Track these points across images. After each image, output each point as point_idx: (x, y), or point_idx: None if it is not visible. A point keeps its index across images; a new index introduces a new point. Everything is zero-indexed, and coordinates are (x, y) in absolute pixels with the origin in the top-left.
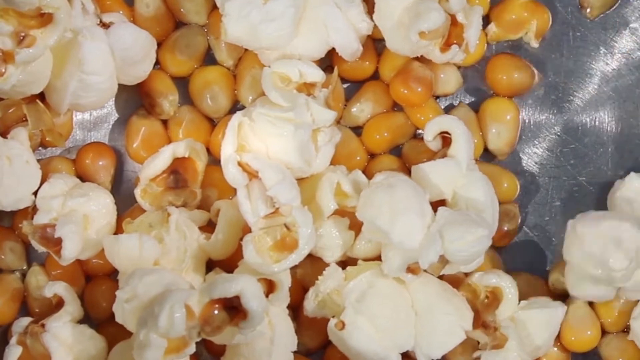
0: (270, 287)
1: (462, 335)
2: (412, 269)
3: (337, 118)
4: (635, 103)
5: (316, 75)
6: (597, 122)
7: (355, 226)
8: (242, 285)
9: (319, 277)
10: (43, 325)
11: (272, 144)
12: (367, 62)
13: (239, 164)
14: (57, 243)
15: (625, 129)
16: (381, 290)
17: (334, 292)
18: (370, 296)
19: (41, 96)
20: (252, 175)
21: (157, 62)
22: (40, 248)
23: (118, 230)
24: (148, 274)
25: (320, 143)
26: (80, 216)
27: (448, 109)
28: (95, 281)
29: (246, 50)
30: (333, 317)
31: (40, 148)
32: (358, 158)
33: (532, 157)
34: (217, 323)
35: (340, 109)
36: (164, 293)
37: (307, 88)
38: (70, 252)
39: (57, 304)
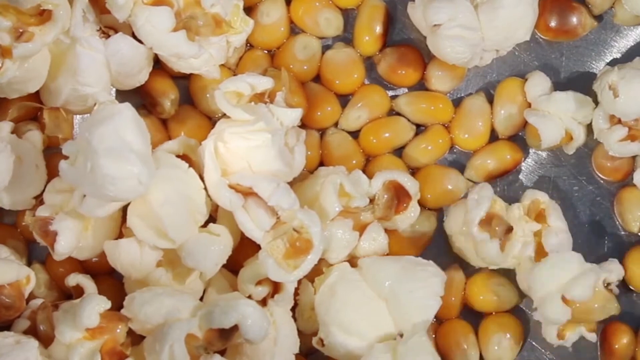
0: (275, 288)
1: (436, 303)
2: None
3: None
4: None
5: (266, 83)
6: None
7: (359, 226)
8: (240, 317)
9: (296, 297)
10: (57, 306)
11: (253, 158)
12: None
13: (229, 186)
14: (54, 237)
15: None
16: (342, 295)
17: (311, 307)
18: (333, 305)
19: (36, 94)
20: (246, 193)
21: (157, 62)
22: (40, 241)
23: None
24: (147, 303)
25: (291, 145)
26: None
27: (462, 98)
28: (96, 280)
29: (247, 50)
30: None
31: None
32: (354, 162)
33: (532, 156)
34: (221, 343)
35: (301, 103)
36: (163, 329)
37: (258, 98)
38: (64, 247)
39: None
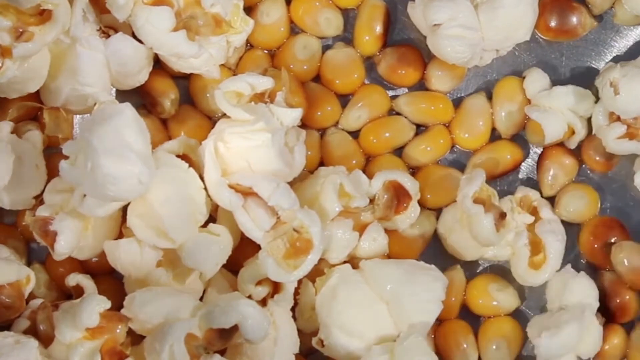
0: (275, 288)
1: (437, 307)
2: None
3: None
4: None
5: (266, 83)
6: None
7: (359, 227)
8: (240, 317)
9: (297, 297)
10: (57, 306)
11: (254, 158)
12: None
13: (230, 186)
14: (54, 237)
15: None
16: (344, 297)
17: (312, 307)
18: (335, 307)
19: (36, 94)
20: (246, 193)
21: (157, 62)
22: (40, 241)
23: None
24: (147, 303)
25: (291, 145)
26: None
27: (462, 98)
28: (96, 280)
29: (247, 50)
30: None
31: None
32: (354, 162)
33: (533, 156)
34: (221, 343)
35: (301, 103)
36: (163, 328)
37: (258, 97)
38: (63, 247)
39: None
